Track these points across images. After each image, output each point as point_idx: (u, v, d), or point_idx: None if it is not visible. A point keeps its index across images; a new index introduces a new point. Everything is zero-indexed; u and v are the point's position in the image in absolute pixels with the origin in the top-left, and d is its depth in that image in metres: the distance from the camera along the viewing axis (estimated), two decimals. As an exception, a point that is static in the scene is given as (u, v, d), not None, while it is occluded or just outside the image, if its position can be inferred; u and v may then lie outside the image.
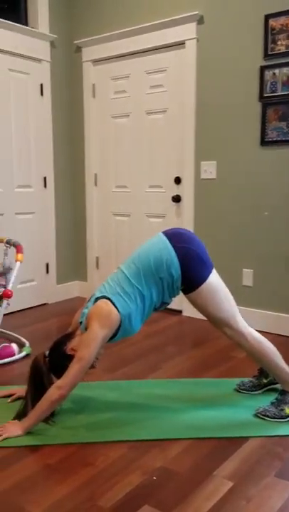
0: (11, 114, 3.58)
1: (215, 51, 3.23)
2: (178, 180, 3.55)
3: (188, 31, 3.30)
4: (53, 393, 1.87)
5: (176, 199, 3.56)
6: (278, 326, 3.14)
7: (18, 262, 2.82)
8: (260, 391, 2.27)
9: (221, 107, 3.25)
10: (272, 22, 2.95)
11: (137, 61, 3.64)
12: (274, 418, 2.01)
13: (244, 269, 3.27)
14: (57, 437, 1.91)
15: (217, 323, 2.02)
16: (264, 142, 3.08)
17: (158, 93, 3.57)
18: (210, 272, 1.97)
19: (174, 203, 3.59)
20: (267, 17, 2.96)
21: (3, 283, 2.85)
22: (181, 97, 3.44)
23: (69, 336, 2.02)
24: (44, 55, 3.76)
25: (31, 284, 3.86)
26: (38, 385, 1.98)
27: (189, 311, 3.59)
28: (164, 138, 3.59)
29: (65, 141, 4.04)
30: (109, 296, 1.92)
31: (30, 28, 3.62)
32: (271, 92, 3.01)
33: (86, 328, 1.91)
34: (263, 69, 3.02)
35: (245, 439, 1.91)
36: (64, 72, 3.96)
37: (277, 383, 2.20)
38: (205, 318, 3.46)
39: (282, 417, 2.01)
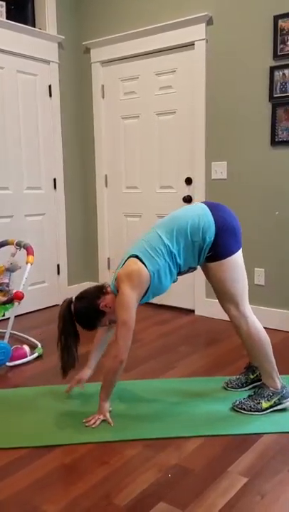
0: (19, 116, 3.62)
1: (224, 52, 3.25)
2: (189, 181, 3.56)
3: (197, 32, 3.32)
4: (112, 363, 1.94)
5: (187, 199, 3.57)
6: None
7: (29, 264, 2.85)
8: (247, 388, 2.30)
9: (230, 107, 3.27)
10: (281, 23, 2.95)
11: (146, 62, 3.66)
12: (250, 411, 2.05)
13: (256, 269, 3.28)
14: (72, 437, 1.94)
15: (226, 299, 2.04)
16: (274, 142, 3.09)
17: (167, 94, 3.59)
18: (239, 248, 2.01)
19: (185, 204, 3.61)
20: (276, 18, 2.97)
21: (7, 281, 2.83)
22: (191, 98, 3.46)
23: (101, 290, 2.03)
24: (52, 57, 3.79)
25: (42, 285, 3.90)
26: (70, 333, 2.00)
27: (202, 310, 3.60)
28: (174, 139, 3.60)
29: (74, 142, 4.07)
30: (138, 253, 1.96)
31: (37, 30, 3.66)
32: (281, 93, 3.01)
33: (117, 290, 1.95)
34: (272, 69, 3.03)
35: (260, 435, 1.92)
36: (72, 73, 4.00)
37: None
38: (218, 317, 3.49)
39: (258, 410, 2.05)
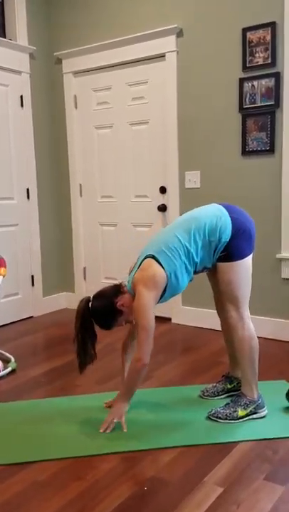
0: (-7, 127, 3.58)
1: (195, 63, 3.30)
2: (163, 190, 3.58)
3: (168, 44, 3.36)
4: (135, 366, 1.96)
5: (162, 208, 3.59)
6: (266, 330, 3.18)
7: (1, 277, 2.80)
8: (222, 396, 2.30)
9: (202, 117, 3.31)
10: (249, 35, 3.02)
11: (118, 73, 3.68)
12: (226, 419, 2.06)
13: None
14: (46, 453, 1.90)
15: (229, 301, 2.05)
16: (245, 152, 3.14)
17: (140, 105, 3.61)
18: (251, 252, 2.04)
19: (159, 212, 3.62)
20: (244, 30, 3.03)
21: None
22: (163, 109, 3.49)
23: (118, 289, 2.04)
24: (23, 67, 3.77)
25: (16, 297, 3.83)
26: (87, 331, 2.00)
27: (178, 318, 3.60)
28: (148, 148, 3.63)
29: (47, 152, 4.05)
30: (154, 253, 1.97)
31: (8, 40, 3.63)
32: (250, 104, 3.07)
33: (134, 293, 1.95)
34: (242, 81, 3.09)
35: (235, 443, 1.92)
36: (44, 83, 3.99)
37: (239, 390, 2.21)
38: (194, 325, 3.49)
39: (233, 418, 2.05)
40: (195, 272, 2.06)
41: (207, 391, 2.33)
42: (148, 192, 3.67)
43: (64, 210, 4.14)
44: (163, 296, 1.99)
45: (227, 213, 2.01)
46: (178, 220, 2.08)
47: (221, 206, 2.06)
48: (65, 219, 4.15)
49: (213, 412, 2.09)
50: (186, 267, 1.98)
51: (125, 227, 3.83)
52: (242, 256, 2.01)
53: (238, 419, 2.05)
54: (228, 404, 2.10)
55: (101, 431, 2.01)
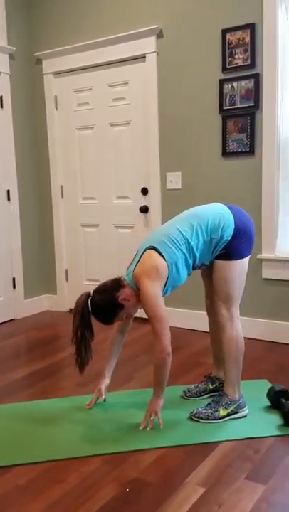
0: (-28, 128, 3.53)
1: (175, 65, 3.31)
2: (145, 191, 3.58)
3: (148, 45, 3.37)
4: (159, 359, 1.95)
5: (144, 209, 3.59)
6: (247, 330, 3.20)
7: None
8: (204, 396, 2.31)
9: (183, 119, 3.32)
10: (229, 36, 3.05)
11: (99, 74, 3.67)
12: (207, 419, 2.07)
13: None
14: (27, 456, 1.88)
15: (221, 299, 2.06)
16: (225, 153, 3.16)
17: (121, 106, 3.61)
18: (249, 253, 2.06)
19: (141, 214, 3.62)
20: (224, 31, 3.06)
21: None
22: (144, 110, 3.50)
23: (118, 283, 2.02)
24: (3, 68, 3.73)
25: (-2, 299, 3.79)
26: (87, 327, 1.98)
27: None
28: (130, 149, 3.62)
29: (28, 153, 4.01)
30: (155, 245, 1.97)
31: (-12, 42, 3.60)
32: (231, 105, 3.09)
33: (137, 287, 1.96)
34: (222, 82, 3.11)
35: (217, 443, 1.93)
36: (24, 84, 3.95)
37: (221, 390, 2.22)
38: (176, 326, 3.50)
39: (215, 418, 2.07)
40: (194, 267, 2.07)
41: (189, 391, 2.34)
42: (130, 193, 3.67)
43: (45, 211, 4.11)
44: (164, 288, 1.99)
45: (230, 213, 2.04)
46: (179, 216, 2.09)
47: (224, 206, 2.08)
48: (46, 221, 4.11)
49: (195, 412, 2.10)
50: (186, 260, 2.00)
51: (107, 228, 3.82)
52: (240, 256, 2.03)
53: (220, 418, 2.07)
54: (209, 404, 2.11)
55: (140, 428, 2.02)
